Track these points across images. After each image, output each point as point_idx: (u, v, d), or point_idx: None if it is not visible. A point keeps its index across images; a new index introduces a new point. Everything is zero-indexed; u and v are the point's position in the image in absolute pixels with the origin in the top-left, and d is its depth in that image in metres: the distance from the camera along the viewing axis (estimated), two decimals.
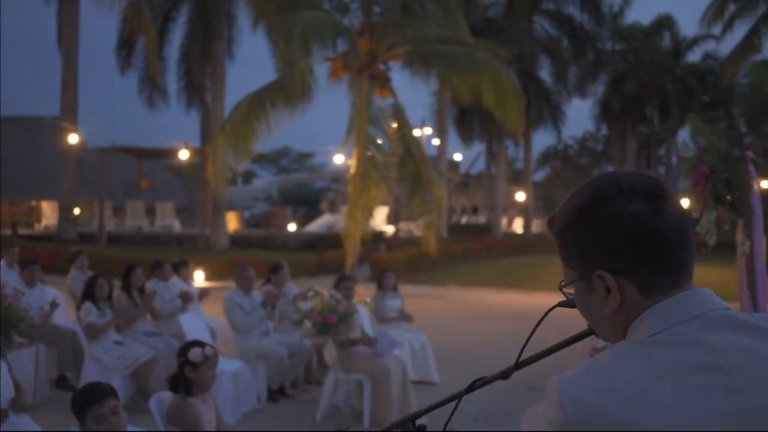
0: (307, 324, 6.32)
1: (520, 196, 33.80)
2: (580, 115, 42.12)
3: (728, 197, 4.14)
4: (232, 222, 27.86)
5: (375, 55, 15.08)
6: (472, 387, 1.53)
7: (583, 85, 35.85)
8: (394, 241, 24.70)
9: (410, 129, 15.68)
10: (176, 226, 27.10)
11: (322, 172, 52.37)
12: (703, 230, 4.28)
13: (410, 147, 14.99)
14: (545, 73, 32.71)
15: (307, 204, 47.40)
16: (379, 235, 24.52)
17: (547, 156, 49.51)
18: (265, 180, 43.73)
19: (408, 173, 15.11)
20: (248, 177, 47.49)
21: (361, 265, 16.14)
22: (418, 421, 1.58)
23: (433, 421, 1.63)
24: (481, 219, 43.22)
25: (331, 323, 6.32)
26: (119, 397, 3.42)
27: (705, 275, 6.20)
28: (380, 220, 28.33)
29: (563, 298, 1.39)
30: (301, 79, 14.20)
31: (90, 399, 3.26)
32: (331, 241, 23.86)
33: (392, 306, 8.37)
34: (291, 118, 14.78)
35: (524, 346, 1.59)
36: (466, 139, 35.67)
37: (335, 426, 6.43)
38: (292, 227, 31.91)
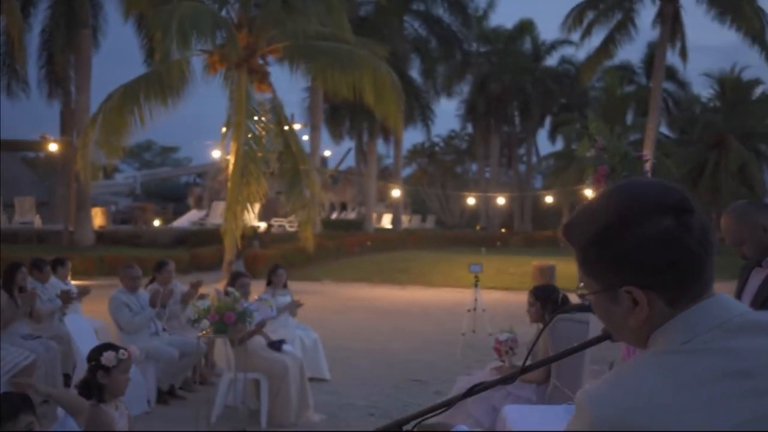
0: (205, 323, 6.17)
1: (396, 193, 34.28)
2: (446, 114, 43.22)
3: None
4: (98, 218, 26.67)
5: (254, 49, 14.86)
6: (471, 391, 1.53)
7: (450, 84, 36.83)
8: (267, 237, 24.46)
9: (290, 124, 15.58)
10: (37, 222, 25.67)
11: (187, 167, 51.10)
12: None
13: (289, 142, 14.90)
14: (415, 72, 33.34)
15: (172, 200, 46.06)
16: (251, 231, 24.22)
17: (414, 153, 50.49)
18: (128, 175, 42.05)
19: (286, 169, 15.00)
20: (109, 171, 45.56)
21: (236, 261, 15.85)
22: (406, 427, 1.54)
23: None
24: (351, 215, 43.54)
25: (229, 322, 6.20)
26: (35, 408, 3.17)
27: None
28: (252, 215, 27.96)
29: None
30: (180, 71, 13.79)
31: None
32: (202, 237, 23.36)
33: (283, 303, 8.29)
34: (165, 111, 14.31)
35: (529, 352, 1.62)
36: (336, 135, 35.80)
37: (231, 426, 6.30)
38: (157, 223, 30.97)
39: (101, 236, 23.67)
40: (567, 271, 15.93)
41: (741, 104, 35.38)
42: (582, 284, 1.28)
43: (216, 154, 30.31)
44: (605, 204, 1.24)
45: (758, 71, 39.19)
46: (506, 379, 1.55)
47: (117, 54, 32.32)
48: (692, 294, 1.20)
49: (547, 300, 5.05)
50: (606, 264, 1.22)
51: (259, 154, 14.03)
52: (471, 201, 39.99)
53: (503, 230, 38.52)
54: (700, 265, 1.20)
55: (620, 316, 1.23)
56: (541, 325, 5.02)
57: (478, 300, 10.20)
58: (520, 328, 5.70)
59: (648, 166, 4.51)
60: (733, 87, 35.82)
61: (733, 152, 32.10)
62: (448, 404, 1.55)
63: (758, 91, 36.80)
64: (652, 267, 1.18)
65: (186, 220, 31.61)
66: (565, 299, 4.97)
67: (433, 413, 1.59)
